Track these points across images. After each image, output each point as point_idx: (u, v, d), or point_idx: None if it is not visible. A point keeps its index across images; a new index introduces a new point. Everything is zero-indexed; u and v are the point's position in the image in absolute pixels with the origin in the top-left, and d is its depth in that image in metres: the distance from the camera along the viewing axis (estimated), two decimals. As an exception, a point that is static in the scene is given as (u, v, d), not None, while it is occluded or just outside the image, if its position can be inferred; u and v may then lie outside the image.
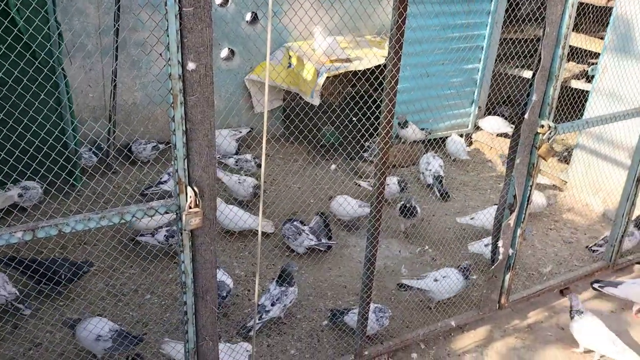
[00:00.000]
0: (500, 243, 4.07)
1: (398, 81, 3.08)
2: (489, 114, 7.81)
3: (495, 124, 7.36)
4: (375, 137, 6.48)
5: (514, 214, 3.98)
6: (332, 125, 6.45)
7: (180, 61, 2.43)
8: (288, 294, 4.27)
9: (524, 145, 3.78)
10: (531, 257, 5.32)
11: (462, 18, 6.61)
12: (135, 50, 6.15)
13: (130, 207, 2.60)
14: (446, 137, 7.19)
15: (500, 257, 4.11)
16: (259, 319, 4.17)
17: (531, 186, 3.93)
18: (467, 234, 5.54)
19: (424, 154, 6.73)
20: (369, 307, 3.70)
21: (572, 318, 4.19)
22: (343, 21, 6.26)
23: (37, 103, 3.62)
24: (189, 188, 2.65)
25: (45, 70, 3.80)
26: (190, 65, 2.44)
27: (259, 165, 6.14)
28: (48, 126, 4.22)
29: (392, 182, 5.76)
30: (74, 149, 5.30)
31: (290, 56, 6.84)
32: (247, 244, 5.23)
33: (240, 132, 6.80)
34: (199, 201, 2.67)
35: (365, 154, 6.61)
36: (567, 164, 6.69)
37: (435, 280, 4.42)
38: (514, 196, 3.93)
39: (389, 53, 3.03)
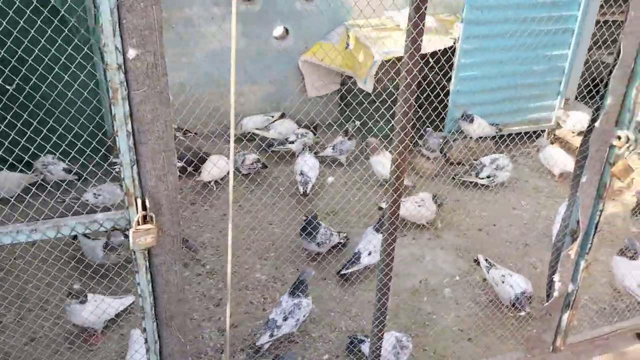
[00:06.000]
0: (556, 277, 3.31)
1: (416, 77, 2.42)
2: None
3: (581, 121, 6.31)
4: (428, 127, 5.80)
5: (577, 243, 3.20)
6: (382, 116, 5.80)
7: (120, 48, 1.96)
8: (302, 307, 3.77)
9: (594, 161, 2.97)
10: (607, 286, 4.44)
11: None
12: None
13: (68, 220, 2.19)
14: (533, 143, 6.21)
15: (556, 293, 3.34)
16: (269, 337, 3.72)
17: (600, 211, 3.13)
18: (532, 250, 4.75)
19: (493, 152, 5.93)
20: (381, 343, 3.12)
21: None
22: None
23: (69, 79, 3.31)
24: (138, 200, 2.20)
25: (77, 41, 3.51)
26: (131, 53, 1.96)
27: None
28: (80, 106, 3.93)
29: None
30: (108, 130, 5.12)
31: (348, 36, 6.23)
32: (275, 241, 4.78)
33: (272, 116, 6.40)
34: (151, 216, 2.22)
35: (422, 149, 5.91)
36: None
37: None
38: (578, 221, 3.15)
39: (405, 41, 2.38)
